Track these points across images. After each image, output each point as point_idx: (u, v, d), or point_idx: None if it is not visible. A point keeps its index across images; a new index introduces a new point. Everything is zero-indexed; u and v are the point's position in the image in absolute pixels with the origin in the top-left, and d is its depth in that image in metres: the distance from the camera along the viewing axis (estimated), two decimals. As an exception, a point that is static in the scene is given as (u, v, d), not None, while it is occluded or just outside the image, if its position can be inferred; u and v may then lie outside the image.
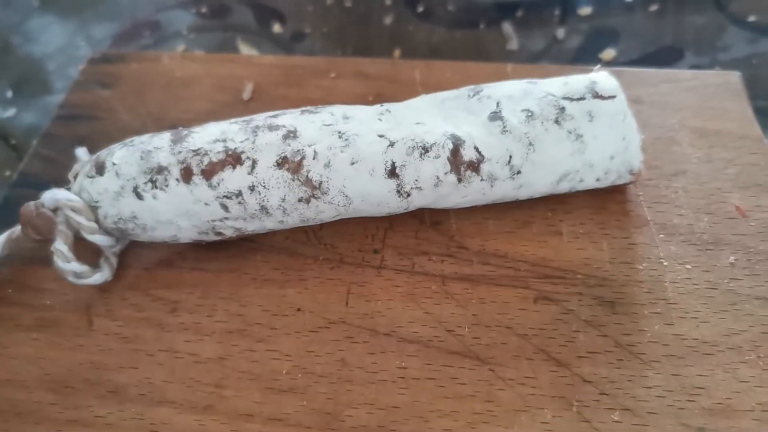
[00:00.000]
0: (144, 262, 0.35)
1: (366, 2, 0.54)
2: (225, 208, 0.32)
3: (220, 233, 0.33)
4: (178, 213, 0.32)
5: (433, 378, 0.30)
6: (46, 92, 0.49)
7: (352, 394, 0.30)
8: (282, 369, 0.31)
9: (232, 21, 0.54)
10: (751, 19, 0.48)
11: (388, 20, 0.52)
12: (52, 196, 0.33)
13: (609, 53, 0.47)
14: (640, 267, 0.33)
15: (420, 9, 0.53)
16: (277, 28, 0.52)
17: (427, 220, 0.35)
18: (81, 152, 0.37)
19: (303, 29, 0.52)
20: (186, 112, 0.42)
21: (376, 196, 0.32)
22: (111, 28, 0.55)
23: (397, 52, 0.49)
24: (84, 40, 0.54)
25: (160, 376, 0.31)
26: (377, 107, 0.35)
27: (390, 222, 0.35)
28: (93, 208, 0.33)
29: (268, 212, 0.32)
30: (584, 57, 0.47)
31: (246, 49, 0.50)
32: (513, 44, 0.49)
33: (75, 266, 0.32)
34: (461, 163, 0.32)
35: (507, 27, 0.50)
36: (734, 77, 0.40)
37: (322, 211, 0.32)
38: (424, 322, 0.32)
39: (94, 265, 0.34)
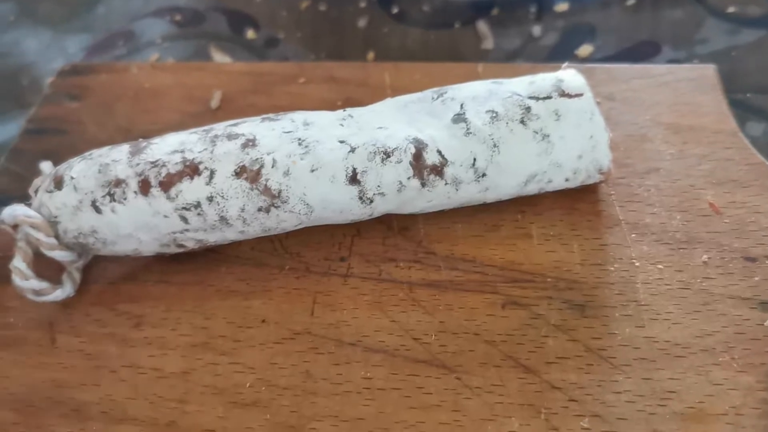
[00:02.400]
0: (108, 277, 0.35)
1: (340, 5, 0.53)
2: (184, 219, 0.31)
3: (181, 245, 0.33)
4: (137, 226, 0.31)
5: (399, 388, 0.29)
6: (19, 106, 0.49)
7: (317, 407, 0.29)
8: (246, 382, 0.30)
9: (206, 28, 0.53)
10: (731, 10, 0.47)
11: (362, 23, 0.51)
12: (11, 212, 0.32)
13: (586, 49, 0.46)
14: (612, 268, 0.32)
15: (395, 10, 0.52)
16: (250, 34, 0.52)
17: (395, 226, 0.34)
18: (45, 166, 0.37)
19: (277, 35, 0.51)
20: (154, 123, 0.41)
21: (338, 204, 0.31)
22: (86, 39, 0.54)
23: (371, 55, 0.48)
24: (58, 53, 0.53)
25: (122, 393, 0.31)
26: (339, 112, 0.34)
27: (357, 229, 0.35)
28: (53, 224, 0.32)
29: (228, 223, 0.31)
30: (561, 54, 0.46)
31: (219, 57, 0.50)
32: (488, 43, 0.48)
33: (34, 283, 0.32)
34: (424, 167, 0.31)
35: (482, 26, 0.49)
36: (709, 71, 0.39)
37: (284, 220, 0.32)
38: (390, 331, 0.31)
39: (58, 281, 0.33)
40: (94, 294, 0.34)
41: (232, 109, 0.41)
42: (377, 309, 0.32)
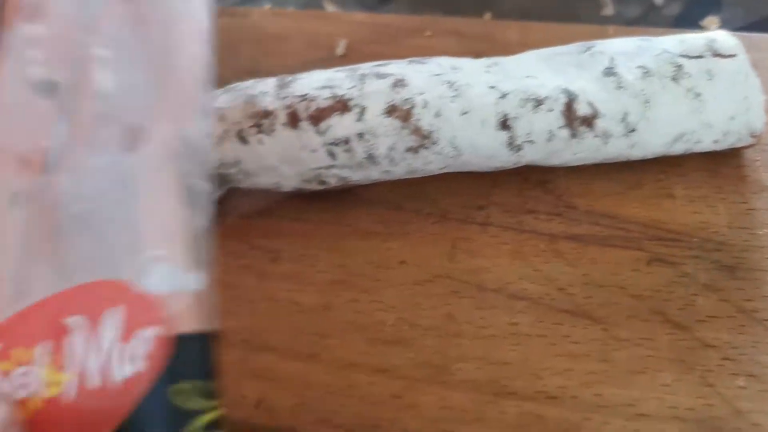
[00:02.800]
0: (242, 211, 0.35)
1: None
2: (332, 155, 0.31)
3: (323, 182, 0.33)
4: (282, 159, 0.31)
5: (545, 335, 0.29)
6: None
7: (461, 348, 0.29)
8: (387, 320, 0.30)
9: (317, -18, 0.53)
10: None
11: (475, -15, 0.51)
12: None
13: (711, 21, 0.45)
14: (760, 233, 0.31)
15: (508, -26, 0.51)
16: (362, -10, 0.51)
17: (532, 179, 0.34)
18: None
19: (388, -8, 0.51)
20: (279, 66, 0.41)
21: (486, 149, 0.31)
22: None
23: (487, 15, 0.47)
24: None
25: (261, 324, 0.31)
26: (484, 60, 0.34)
27: (494, 180, 0.34)
28: (197, 153, 0.32)
29: (375, 161, 0.31)
30: (684, 24, 0.45)
31: (331, 8, 0.50)
32: (608, 9, 0.47)
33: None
34: (575, 118, 0.31)
35: (601, -7, 0.48)
36: None
37: (430, 162, 0.32)
38: (533, 280, 0.31)
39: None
40: (227, 227, 0.34)
41: (358, 57, 0.41)
42: (519, 258, 0.31)
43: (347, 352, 0.29)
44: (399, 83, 0.31)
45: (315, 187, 0.33)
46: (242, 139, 0.31)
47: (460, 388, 0.28)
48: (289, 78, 0.33)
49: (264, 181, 0.33)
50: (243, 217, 0.35)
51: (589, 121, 0.31)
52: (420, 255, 0.32)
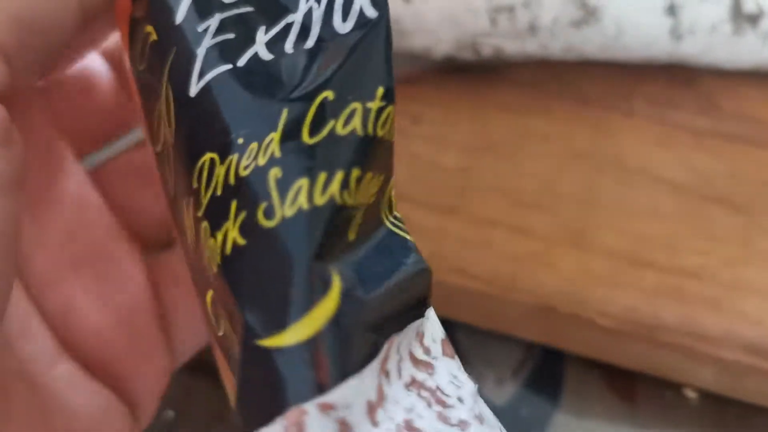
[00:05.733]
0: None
1: None
2: (494, 22, 0.32)
3: (477, 51, 0.33)
4: (443, 20, 0.32)
5: (686, 217, 0.29)
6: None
7: (601, 218, 0.30)
8: (528, 187, 0.31)
9: None
10: None
11: None
12: None
13: None
14: None
15: None
16: None
17: (679, 77, 0.34)
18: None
19: None
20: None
21: (647, 35, 0.31)
22: None
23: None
24: None
25: (401, 176, 0.32)
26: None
27: (640, 73, 0.34)
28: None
29: (535, 33, 0.32)
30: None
31: None
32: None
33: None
34: (741, 15, 0.31)
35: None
36: None
37: (589, 41, 0.32)
38: (676, 167, 0.31)
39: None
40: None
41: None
42: (662, 147, 0.32)
43: (487, 210, 0.30)
44: (567, -41, 0.31)
45: (467, 56, 0.33)
46: (405, -2, 0.32)
47: (598, 254, 0.29)
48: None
49: (419, 42, 0.33)
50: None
51: (754, 20, 0.31)
52: (562, 133, 0.32)
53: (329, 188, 0.14)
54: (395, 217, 0.16)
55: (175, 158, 0.16)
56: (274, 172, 0.14)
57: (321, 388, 0.12)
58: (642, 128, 0.32)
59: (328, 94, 0.15)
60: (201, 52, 0.15)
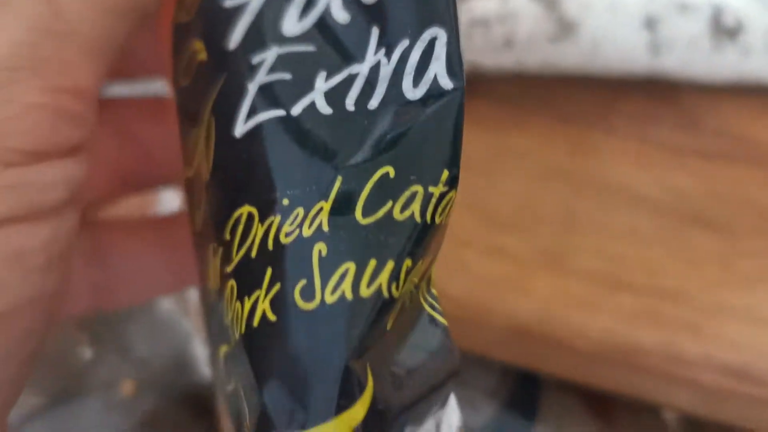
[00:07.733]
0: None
1: None
2: (469, 36, 0.31)
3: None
4: None
5: (665, 238, 0.29)
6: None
7: (578, 239, 0.29)
8: (504, 206, 0.30)
9: None
10: None
11: None
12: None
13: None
14: None
15: None
16: None
17: (658, 93, 0.33)
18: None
19: None
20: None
21: (626, 48, 0.31)
22: None
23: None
24: None
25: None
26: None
27: (618, 90, 0.34)
28: None
29: (510, 47, 0.31)
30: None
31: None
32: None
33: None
34: (720, 29, 0.30)
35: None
36: None
37: (566, 55, 0.31)
38: (655, 186, 0.30)
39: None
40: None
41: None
42: (641, 165, 0.31)
43: (460, 231, 0.30)
44: (544, -27, 0.31)
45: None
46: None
47: (575, 276, 0.28)
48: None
49: (392, 57, 0.32)
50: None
51: (733, 34, 0.30)
52: (539, 150, 0.32)
53: (377, 279, 0.12)
54: (432, 296, 0.14)
55: (209, 198, 0.14)
56: (319, 248, 0.12)
57: None
58: (621, 146, 0.32)
59: (389, 170, 0.13)
60: (253, 88, 0.13)
